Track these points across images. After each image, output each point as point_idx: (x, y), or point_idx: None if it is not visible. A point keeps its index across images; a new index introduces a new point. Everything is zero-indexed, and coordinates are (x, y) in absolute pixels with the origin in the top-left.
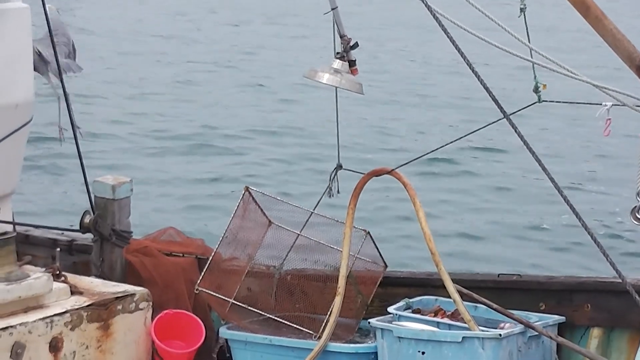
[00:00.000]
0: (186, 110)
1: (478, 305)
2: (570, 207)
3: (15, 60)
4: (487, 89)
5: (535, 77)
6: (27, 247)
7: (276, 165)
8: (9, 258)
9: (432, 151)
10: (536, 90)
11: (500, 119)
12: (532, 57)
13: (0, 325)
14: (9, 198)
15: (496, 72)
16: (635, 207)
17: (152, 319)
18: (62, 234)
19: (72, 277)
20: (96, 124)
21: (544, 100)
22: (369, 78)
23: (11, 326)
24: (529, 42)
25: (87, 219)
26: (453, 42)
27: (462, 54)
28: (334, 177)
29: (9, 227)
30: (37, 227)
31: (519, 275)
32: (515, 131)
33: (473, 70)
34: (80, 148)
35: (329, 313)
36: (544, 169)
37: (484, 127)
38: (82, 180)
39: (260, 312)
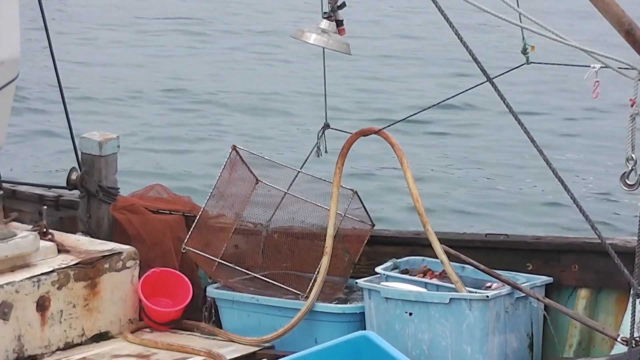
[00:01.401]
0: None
1: (465, 265)
2: (551, 168)
3: (1, 18)
4: (470, 52)
5: (523, 38)
6: (14, 202)
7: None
8: None
9: (420, 111)
10: (524, 51)
11: (483, 82)
12: (521, 22)
13: None
14: None
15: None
16: (625, 172)
17: (139, 277)
18: (49, 190)
19: (59, 235)
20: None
21: (532, 62)
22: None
23: None
24: (518, 6)
25: (73, 175)
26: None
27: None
28: (321, 135)
29: None
30: (23, 184)
31: (506, 235)
32: (498, 94)
33: (456, 33)
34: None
35: (316, 272)
36: (526, 131)
37: (469, 89)
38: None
39: (247, 271)
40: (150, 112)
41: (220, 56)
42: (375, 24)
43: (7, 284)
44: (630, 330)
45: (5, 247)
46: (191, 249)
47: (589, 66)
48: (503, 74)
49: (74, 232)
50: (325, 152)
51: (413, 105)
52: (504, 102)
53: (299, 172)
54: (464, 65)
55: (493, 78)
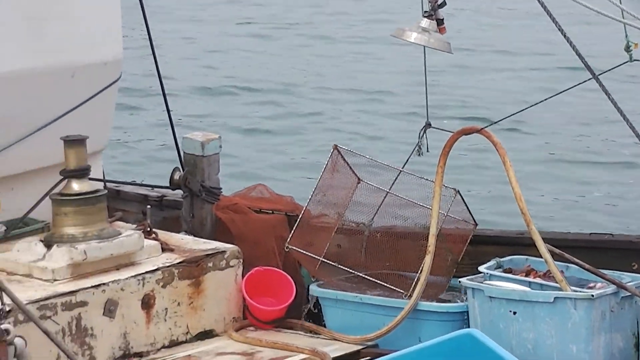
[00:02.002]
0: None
1: (570, 265)
2: None
3: (104, 18)
4: (574, 49)
5: (626, 35)
6: (118, 202)
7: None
8: (100, 215)
9: (521, 111)
10: (627, 49)
11: (589, 79)
12: (623, 18)
13: (93, 282)
14: (99, 155)
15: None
16: None
17: (243, 275)
18: (152, 190)
19: (162, 234)
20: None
21: (635, 60)
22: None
23: (104, 283)
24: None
25: (176, 176)
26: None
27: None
28: (422, 135)
29: (101, 184)
30: (127, 183)
31: (610, 234)
32: (603, 90)
33: (560, 29)
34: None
35: (419, 271)
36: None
37: (573, 87)
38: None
39: (350, 270)
40: (252, 110)
41: (322, 53)
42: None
43: (112, 282)
44: None
45: (110, 246)
46: (294, 247)
47: None
48: (607, 71)
49: (177, 232)
50: (427, 151)
51: (513, 102)
52: (610, 99)
53: (400, 171)
54: (566, 62)
55: (598, 75)
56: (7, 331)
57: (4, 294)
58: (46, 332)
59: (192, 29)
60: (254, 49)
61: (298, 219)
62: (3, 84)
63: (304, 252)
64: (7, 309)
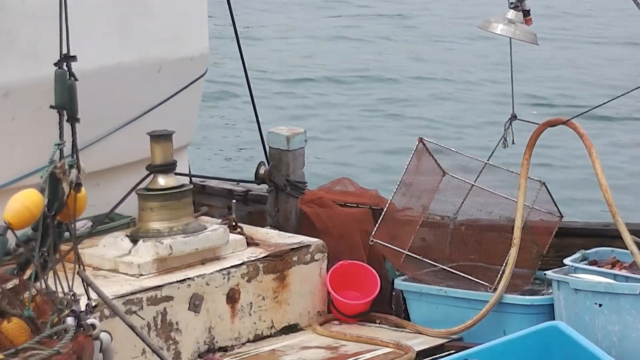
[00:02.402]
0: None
1: None
2: None
3: (190, 13)
4: None
5: None
6: (203, 197)
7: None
8: (186, 210)
9: (609, 101)
10: None
11: None
12: None
13: (179, 277)
14: (185, 150)
15: None
16: None
17: (327, 269)
18: (237, 184)
19: (247, 229)
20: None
21: None
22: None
23: (189, 278)
24: None
25: (262, 170)
26: None
27: None
28: (508, 127)
29: (186, 179)
30: (212, 178)
31: None
32: None
33: None
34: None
35: (504, 264)
36: None
37: None
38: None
39: (435, 263)
40: (339, 102)
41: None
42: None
43: (197, 276)
44: None
45: (195, 240)
46: (379, 241)
47: None
48: None
49: (262, 226)
50: (513, 143)
51: (602, 94)
52: None
53: (485, 163)
54: None
55: None
56: (93, 326)
57: (90, 288)
58: (132, 327)
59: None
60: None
61: (383, 213)
62: (90, 80)
63: (389, 245)
64: (93, 303)
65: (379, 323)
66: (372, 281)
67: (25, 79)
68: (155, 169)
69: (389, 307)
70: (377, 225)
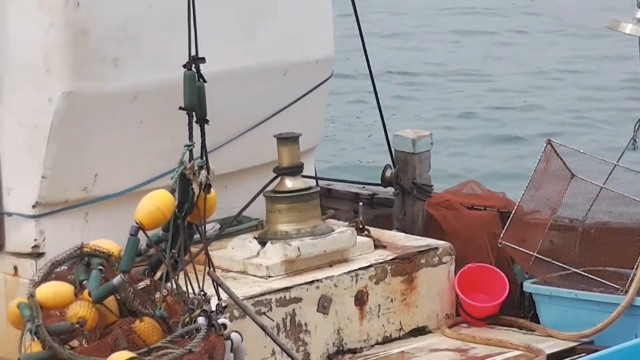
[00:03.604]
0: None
1: None
2: None
3: (315, 17)
4: None
5: None
6: (330, 200)
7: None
8: (313, 212)
9: None
10: None
11: None
12: None
13: (307, 279)
14: (312, 152)
15: None
16: None
17: (455, 272)
18: (364, 187)
19: (375, 231)
20: None
21: None
22: None
23: (317, 280)
24: None
25: (388, 173)
26: None
27: None
28: (638, 128)
29: (313, 182)
30: (338, 181)
31: None
32: None
33: None
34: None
35: (635, 267)
36: None
37: None
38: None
39: (564, 265)
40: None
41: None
42: None
43: (326, 278)
44: None
45: (323, 243)
46: (508, 243)
47: None
48: None
49: (389, 229)
50: None
51: None
52: None
53: (615, 165)
54: None
55: None
56: (224, 325)
57: (220, 289)
58: (262, 327)
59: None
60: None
61: (510, 215)
62: (217, 83)
63: (518, 248)
64: (224, 304)
65: (508, 326)
66: (500, 284)
67: (153, 82)
68: (283, 172)
69: (518, 310)
70: (505, 227)
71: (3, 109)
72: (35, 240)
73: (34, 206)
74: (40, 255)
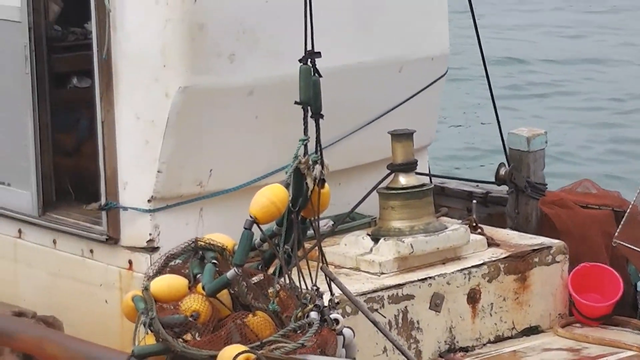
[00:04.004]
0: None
1: None
2: None
3: (431, 13)
4: None
5: None
6: (443, 198)
7: None
8: (427, 209)
9: None
10: None
11: None
12: None
13: (420, 276)
14: (426, 150)
15: None
16: None
17: (569, 271)
18: (477, 186)
19: (488, 229)
20: None
21: None
22: None
23: (430, 277)
24: None
25: (502, 171)
26: None
27: None
28: None
29: (426, 179)
30: (452, 178)
31: None
32: None
33: None
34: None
35: None
36: None
37: None
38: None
39: None
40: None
41: None
42: None
43: (438, 275)
44: None
45: (436, 240)
46: (623, 243)
47: None
48: None
49: (502, 228)
50: None
51: None
52: None
53: None
54: None
55: None
56: (336, 320)
57: (333, 284)
58: (375, 323)
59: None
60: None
61: (625, 214)
62: (333, 79)
63: (633, 247)
64: (336, 300)
65: (623, 326)
66: (614, 284)
67: (269, 77)
68: (397, 168)
69: (632, 310)
70: (619, 227)
71: (120, 104)
72: (150, 234)
73: (149, 200)
74: (155, 249)
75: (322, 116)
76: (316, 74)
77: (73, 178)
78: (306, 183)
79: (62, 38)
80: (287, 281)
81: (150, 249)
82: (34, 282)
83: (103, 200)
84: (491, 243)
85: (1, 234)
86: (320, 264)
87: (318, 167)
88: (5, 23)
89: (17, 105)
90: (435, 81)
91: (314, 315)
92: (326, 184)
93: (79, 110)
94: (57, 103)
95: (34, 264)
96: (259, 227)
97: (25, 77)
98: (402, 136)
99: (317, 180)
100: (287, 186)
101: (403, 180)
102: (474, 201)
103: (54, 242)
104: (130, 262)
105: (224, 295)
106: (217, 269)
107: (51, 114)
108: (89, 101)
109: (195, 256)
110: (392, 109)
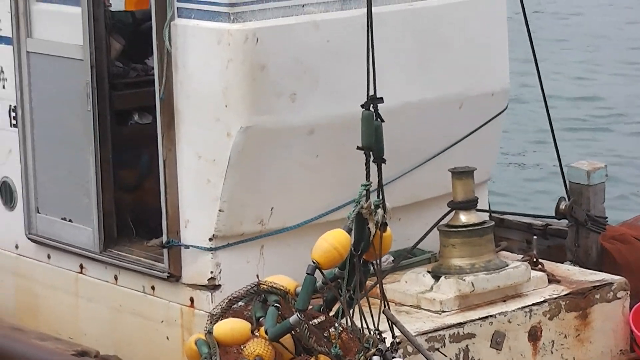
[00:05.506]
0: None
1: None
2: None
3: (491, 49)
4: None
5: None
6: (502, 230)
7: None
8: (488, 247)
9: None
10: None
11: None
12: None
13: (481, 314)
14: (485, 185)
15: None
16: None
17: (630, 307)
18: (537, 219)
19: (548, 265)
20: None
21: None
22: None
23: (491, 315)
24: None
25: (562, 205)
26: None
27: None
28: None
29: (486, 215)
30: (512, 214)
31: None
32: None
33: None
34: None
35: None
36: None
37: None
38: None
39: None
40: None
41: None
42: None
43: (499, 313)
44: None
45: (497, 278)
46: None
47: None
48: None
49: (561, 261)
50: None
51: None
52: None
53: None
54: None
55: None
56: None
57: (394, 326)
58: None
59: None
60: None
61: None
62: (394, 117)
63: None
64: (398, 340)
65: None
66: None
67: (329, 116)
68: (457, 206)
69: None
70: None
71: (182, 142)
72: (212, 272)
73: (210, 239)
74: (216, 287)
75: (384, 161)
76: (378, 119)
77: (134, 214)
78: (368, 227)
79: (124, 75)
80: (349, 324)
81: (212, 286)
82: (95, 317)
83: (165, 238)
84: (552, 279)
85: (63, 268)
86: (383, 308)
87: (380, 211)
88: (67, 61)
89: (79, 142)
90: (495, 116)
91: (376, 359)
92: (388, 228)
93: (140, 147)
94: (119, 139)
95: (96, 299)
96: (322, 273)
97: (87, 114)
98: (462, 174)
99: (379, 225)
100: (349, 231)
101: (464, 218)
102: (535, 236)
103: (115, 277)
104: (191, 299)
105: (287, 338)
106: (280, 312)
107: (112, 150)
108: (150, 137)
109: (257, 299)
110: (452, 145)
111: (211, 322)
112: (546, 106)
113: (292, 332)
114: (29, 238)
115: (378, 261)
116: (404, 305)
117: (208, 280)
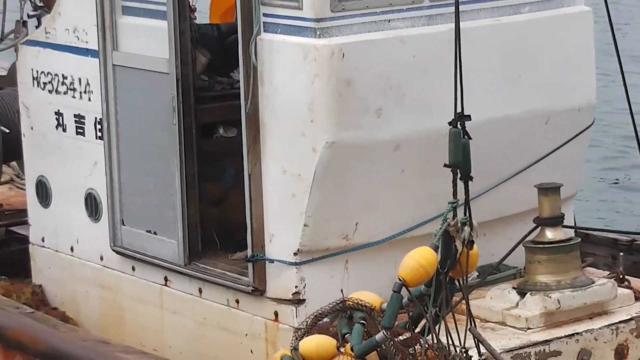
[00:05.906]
0: None
1: None
2: None
3: (578, 64)
4: None
5: None
6: (587, 245)
7: None
8: (574, 263)
9: None
10: None
11: None
12: None
13: (567, 331)
14: (570, 201)
15: None
16: None
17: None
18: (622, 234)
19: (635, 282)
20: None
21: None
22: None
23: (577, 333)
24: None
25: None
26: None
27: None
28: None
29: (572, 232)
30: (598, 230)
31: None
32: None
33: None
34: None
35: None
36: None
37: None
38: None
39: None
40: None
41: None
42: None
43: (585, 331)
44: None
45: (584, 295)
46: None
47: None
48: None
49: None
50: None
51: None
52: None
53: None
54: None
55: None
56: None
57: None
58: None
59: None
60: None
61: None
62: (481, 132)
63: None
64: (484, 357)
65: None
66: None
67: (415, 132)
68: (543, 222)
69: None
70: None
71: (267, 157)
72: (296, 287)
73: (295, 253)
74: (300, 301)
75: (471, 178)
76: (466, 137)
77: (218, 227)
78: (455, 245)
79: (209, 88)
80: (435, 341)
81: (296, 301)
82: (180, 330)
83: (250, 252)
84: (638, 297)
85: (148, 281)
86: (469, 326)
87: (467, 229)
88: (154, 75)
89: (165, 155)
90: (581, 132)
91: None
92: (475, 245)
93: (225, 160)
94: (204, 153)
95: (180, 312)
96: (408, 290)
97: (173, 128)
98: (549, 190)
99: (466, 242)
100: (435, 248)
101: (550, 234)
102: (621, 253)
103: (200, 290)
104: (276, 313)
105: (372, 356)
106: (366, 329)
107: (197, 163)
108: (234, 151)
109: (343, 315)
110: (539, 161)
111: (297, 338)
112: (633, 121)
113: (378, 349)
114: (113, 250)
115: (464, 279)
116: (488, 321)
117: (292, 294)
